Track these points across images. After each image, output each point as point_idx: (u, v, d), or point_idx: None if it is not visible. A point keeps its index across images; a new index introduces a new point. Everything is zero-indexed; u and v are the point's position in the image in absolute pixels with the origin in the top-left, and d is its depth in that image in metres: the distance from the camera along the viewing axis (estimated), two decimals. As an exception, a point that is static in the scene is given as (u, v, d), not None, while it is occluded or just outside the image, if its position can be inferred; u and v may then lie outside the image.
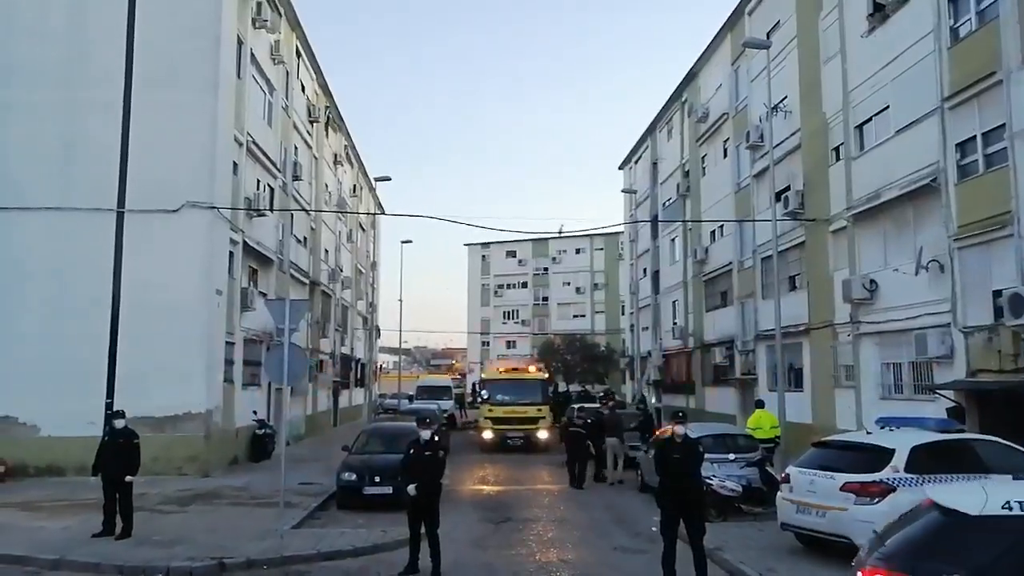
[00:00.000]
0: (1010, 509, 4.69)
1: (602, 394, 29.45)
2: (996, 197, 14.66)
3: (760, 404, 18.94)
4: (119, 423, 11.80)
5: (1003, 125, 14.59)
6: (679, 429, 9.99)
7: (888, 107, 18.45)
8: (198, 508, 13.97)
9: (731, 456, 14.71)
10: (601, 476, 19.12)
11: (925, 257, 16.63)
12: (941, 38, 16.47)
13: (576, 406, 31.30)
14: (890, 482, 9.45)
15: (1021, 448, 11.05)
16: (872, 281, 18.69)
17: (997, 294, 14.53)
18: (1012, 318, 13.54)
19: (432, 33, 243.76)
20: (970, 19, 15.88)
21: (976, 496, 4.93)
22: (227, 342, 20.37)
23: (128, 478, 11.39)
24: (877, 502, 9.34)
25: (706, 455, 14.22)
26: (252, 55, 22.49)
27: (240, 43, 21.44)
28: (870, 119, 19.33)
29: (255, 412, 22.35)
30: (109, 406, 16.69)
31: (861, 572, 4.84)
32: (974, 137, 15.60)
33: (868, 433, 11.40)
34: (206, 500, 14.79)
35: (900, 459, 9.66)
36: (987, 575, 4.44)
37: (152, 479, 15.61)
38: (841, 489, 9.69)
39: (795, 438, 18.12)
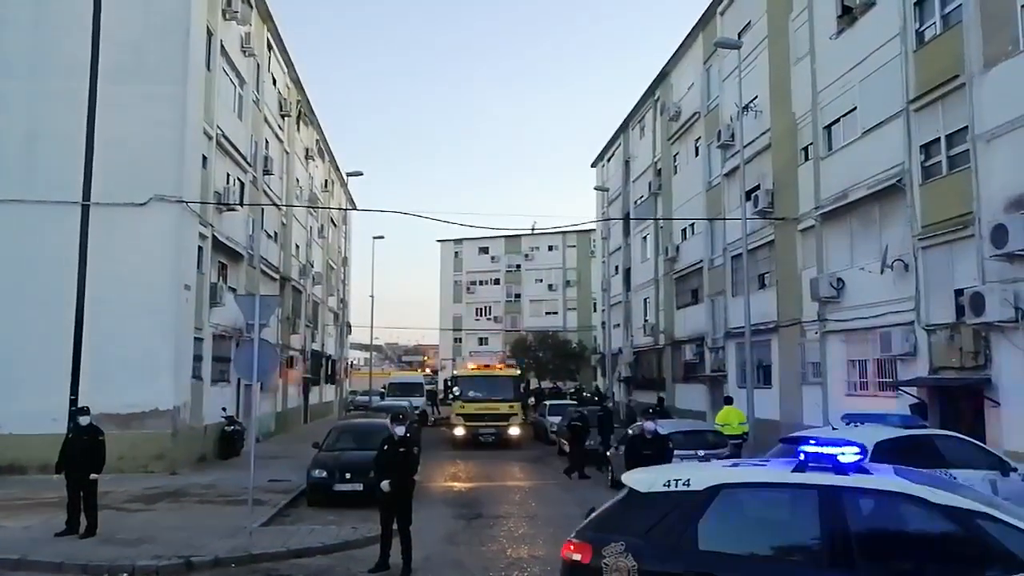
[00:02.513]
0: (668, 486, 5.37)
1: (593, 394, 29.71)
2: (958, 198, 14.99)
3: (729, 400, 19.20)
4: (83, 420, 11.60)
5: (966, 128, 14.92)
6: (649, 425, 10.10)
7: (856, 108, 18.77)
8: (165, 506, 13.79)
9: (700, 452, 14.88)
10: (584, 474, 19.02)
11: (890, 256, 16.96)
12: (907, 41, 16.78)
13: (548, 402, 31.43)
14: (854, 477, 9.60)
15: (978, 443, 11.36)
16: (839, 280, 19.01)
17: (959, 293, 14.87)
18: (973, 317, 13.86)
19: (406, 29, 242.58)
20: (935, 23, 16.20)
21: (650, 476, 5.75)
22: (195, 338, 20.10)
23: (93, 476, 11.21)
24: (842, 497, 9.49)
25: (675, 451, 14.41)
26: (222, 47, 22.19)
27: (210, 34, 21.14)
28: (838, 120, 19.64)
29: (224, 409, 22.11)
30: (73, 403, 16.42)
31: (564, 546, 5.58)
32: (938, 139, 15.93)
33: (834, 429, 11.59)
34: (173, 498, 14.61)
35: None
36: (642, 539, 5.17)
37: (118, 477, 15.37)
38: (807, 484, 9.83)
39: (763, 434, 18.39)
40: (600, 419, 21.50)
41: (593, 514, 5.78)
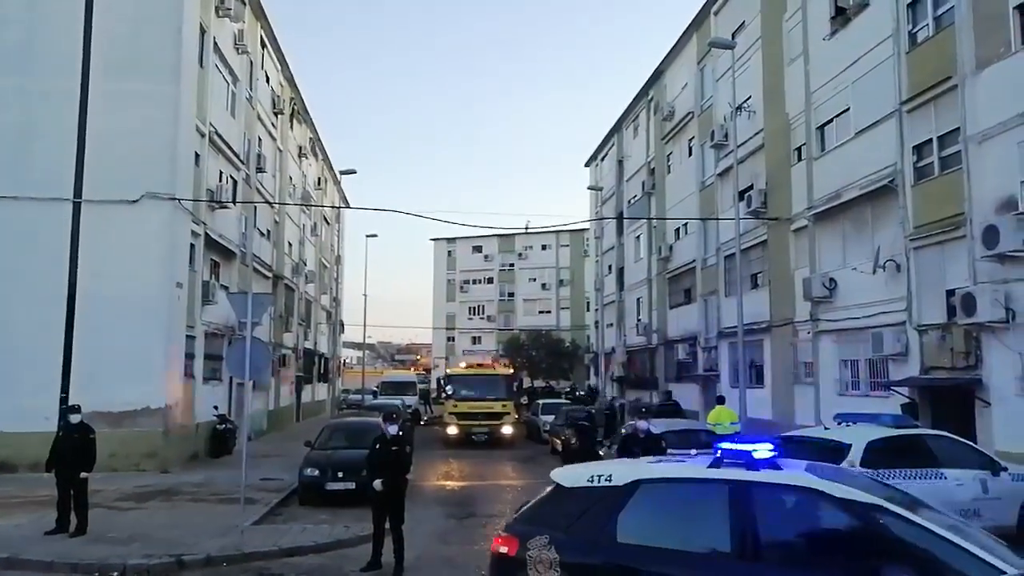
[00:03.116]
0: (591, 482, 5.59)
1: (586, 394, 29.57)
2: (950, 199, 15.06)
3: (721, 400, 19.24)
4: (74, 418, 11.53)
5: (958, 129, 14.99)
6: (641, 424, 10.11)
7: (849, 109, 18.83)
8: (156, 505, 13.73)
9: (692, 451, 14.88)
10: None
11: (882, 257, 17.03)
12: (900, 42, 16.85)
13: (541, 401, 31.46)
14: (846, 476, 9.65)
15: (969, 443, 11.43)
16: (831, 280, 19.08)
17: (950, 294, 14.94)
18: (964, 317, 13.94)
19: (399, 29, 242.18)
20: (927, 24, 16.27)
21: (575, 472, 5.97)
22: (187, 336, 20.03)
23: (83, 474, 11.16)
24: (833, 496, 9.53)
25: (668, 450, 14.42)
26: (215, 44, 22.10)
27: (203, 31, 21.05)
28: (831, 120, 19.71)
29: (216, 407, 22.04)
30: (64, 400, 16.33)
31: (494, 539, 5.78)
32: (930, 140, 16.00)
33: (826, 428, 11.64)
34: (165, 496, 14.55)
35: (856, 454, 9.88)
36: (565, 532, 5.40)
37: (109, 475, 15.31)
38: (799, 483, 9.87)
39: (756, 434, 18.41)
40: (607, 418, 21.57)
41: (523, 508, 6.01)
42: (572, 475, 5.89)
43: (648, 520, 5.37)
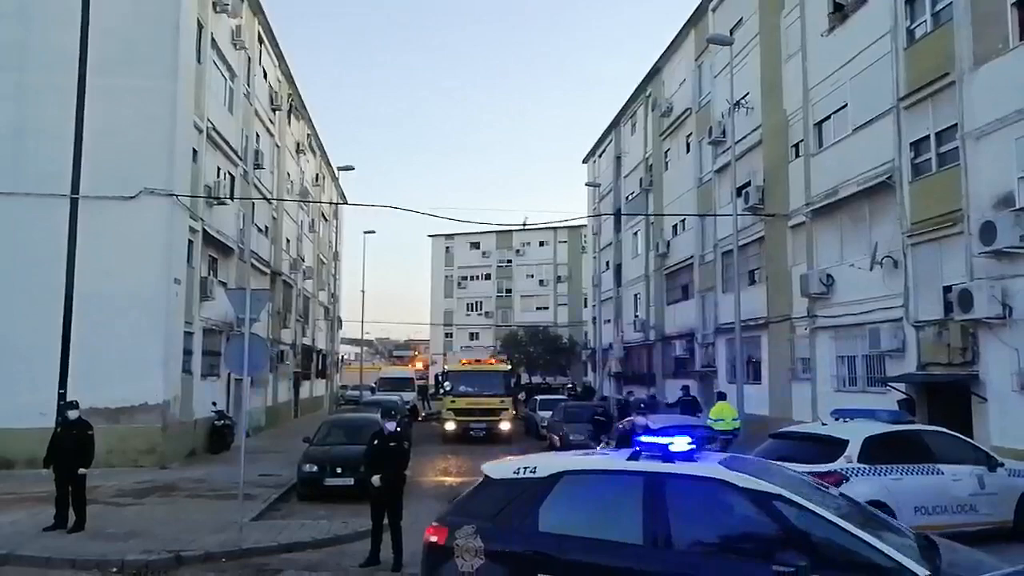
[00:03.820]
0: (517, 473, 5.85)
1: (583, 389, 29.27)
2: (947, 195, 15.08)
3: (722, 396, 19.22)
4: (72, 414, 11.54)
5: (955, 125, 15.01)
6: (640, 420, 10.15)
7: (846, 105, 18.84)
8: (155, 500, 13.74)
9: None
10: None
11: (880, 253, 17.05)
12: (898, 39, 16.85)
13: (539, 397, 31.51)
14: (843, 472, 9.69)
15: (966, 439, 11.46)
16: (829, 276, 19.11)
17: (947, 290, 14.98)
18: (961, 313, 13.97)
19: (397, 24, 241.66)
20: (925, 21, 16.27)
21: (504, 464, 6.23)
22: (186, 332, 20.02)
23: (81, 471, 11.16)
24: (830, 491, 9.57)
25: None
26: (212, 40, 22.04)
27: (200, 27, 21.00)
28: (829, 117, 19.72)
29: (214, 403, 22.04)
30: (62, 397, 16.32)
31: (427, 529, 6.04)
32: (928, 136, 16.02)
33: (823, 425, 11.66)
34: (163, 492, 14.56)
35: (853, 450, 9.91)
36: (491, 521, 5.64)
37: (107, 471, 15.31)
38: (796, 479, 9.90)
39: (753, 430, 18.45)
40: (621, 412, 21.69)
41: (456, 500, 6.26)
42: (500, 467, 6.17)
43: (568, 510, 5.58)
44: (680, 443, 5.63)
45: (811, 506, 5.08)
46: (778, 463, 9.28)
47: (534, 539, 5.49)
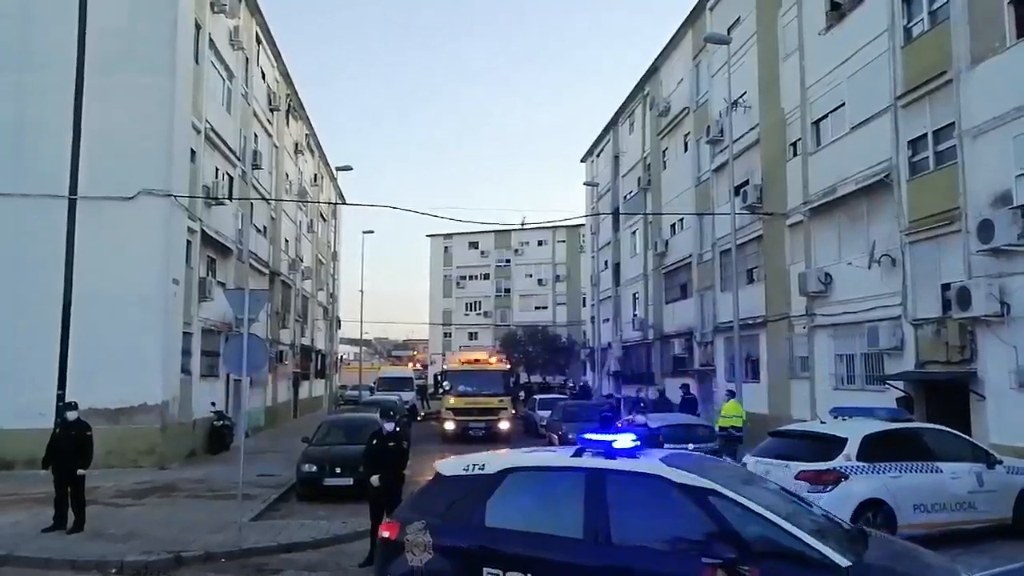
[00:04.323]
0: (467, 470, 6.04)
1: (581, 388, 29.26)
2: (945, 193, 15.10)
3: (732, 394, 19.08)
4: (71, 415, 11.53)
5: (953, 123, 15.03)
6: (638, 419, 10.16)
7: (844, 104, 18.86)
8: (154, 501, 13.73)
9: (689, 446, 14.97)
10: None
11: (877, 251, 17.07)
12: (895, 37, 16.87)
13: (539, 396, 31.53)
14: (842, 470, 9.70)
15: (964, 436, 11.48)
16: (827, 274, 19.13)
17: (945, 288, 15.00)
18: (959, 311, 14.00)
19: (395, 25, 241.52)
20: (922, 19, 16.30)
21: (454, 462, 6.40)
22: (184, 332, 20.01)
23: (80, 471, 11.14)
24: (830, 490, 9.58)
25: (665, 445, 14.47)
26: (211, 40, 22.03)
27: (198, 27, 20.99)
28: (826, 115, 19.74)
29: (213, 403, 22.03)
30: (61, 397, 16.27)
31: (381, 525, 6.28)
32: (925, 135, 16.04)
33: (822, 423, 11.67)
34: (163, 493, 14.55)
35: (852, 448, 9.91)
36: (440, 517, 5.83)
37: (106, 472, 15.30)
38: (796, 478, 9.89)
39: (752, 428, 18.49)
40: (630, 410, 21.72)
41: (411, 496, 6.51)
42: (451, 465, 6.34)
43: (514, 505, 5.74)
44: (623, 440, 5.79)
45: (743, 500, 5.22)
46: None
47: (481, 534, 5.63)
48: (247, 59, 26.51)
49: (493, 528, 5.64)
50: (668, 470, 5.49)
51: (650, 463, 5.67)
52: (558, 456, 6.20)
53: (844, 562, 4.86)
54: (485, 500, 5.76)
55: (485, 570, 5.47)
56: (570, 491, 5.62)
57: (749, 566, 4.88)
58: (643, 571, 5.21)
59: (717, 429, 17.75)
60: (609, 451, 5.75)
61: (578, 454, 5.88)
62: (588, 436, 5.98)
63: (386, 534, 6.02)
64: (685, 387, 24.52)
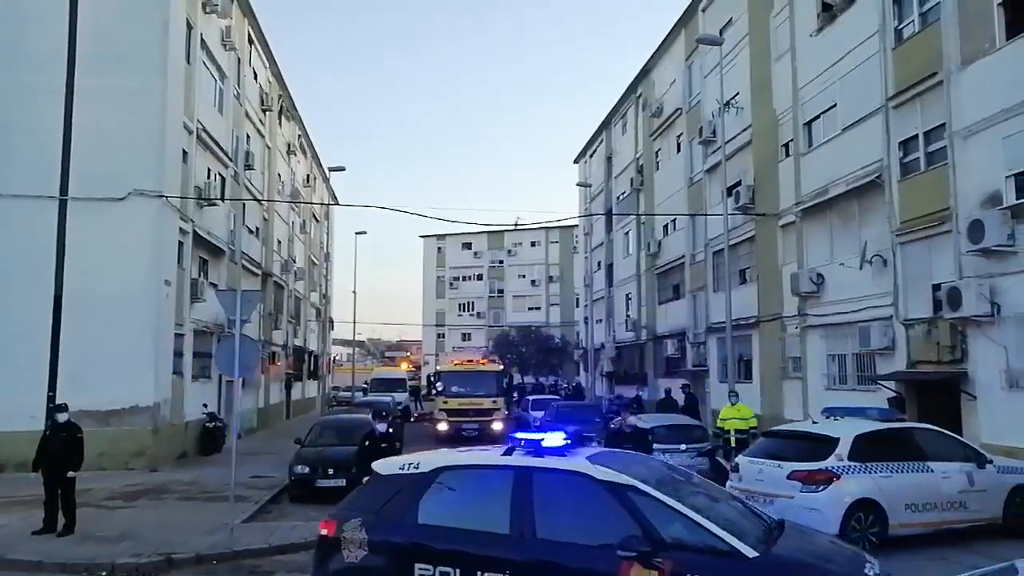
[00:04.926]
0: (403, 469, 6.24)
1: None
2: (936, 194, 15.17)
3: (735, 395, 18.76)
4: (62, 417, 11.46)
5: (944, 124, 15.10)
6: (629, 419, 10.17)
7: (836, 105, 18.92)
8: (146, 503, 13.67)
9: (682, 446, 14.98)
10: None
11: (869, 252, 17.14)
12: (886, 39, 16.94)
13: (532, 397, 31.49)
14: (834, 470, 9.74)
15: (955, 436, 11.53)
16: (819, 275, 19.18)
17: (936, 288, 15.06)
18: (950, 311, 14.06)
19: (389, 24, 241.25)
20: (913, 21, 16.37)
21: (391, 461, 6.62)
22: (176, 334, 19.94)
23: (71, 473, 11.09)
24: (822, 489, 9.63)
25: (659, 445, 14.48)
26: (202, 40, 21.97)
27: (190, 28, 20.92)
28: (818, 116, 19.80)
29: (205, 405, 21.96)
30: (51, 399, 16.22)
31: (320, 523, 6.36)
32: (916, 136, 16.11)
33: (814, 423, 11.71)
34: (154, 495, 14.48)
35: (844, 447, 9.95)
36: (376, 515, 5.98)
37: (97, 474, 15.24)
38: (788, 477, 9.95)
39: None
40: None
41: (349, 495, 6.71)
42: (388, 464, 6.54)
43: (446, 503, 5.94)
44: (553, 439, 5.97)
45: (660, 496, 5.47)
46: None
47: (413, 530, 5.82)
48: (239, 59, 26.45)
49: (426, 525, 5.83)
50: (591, 467, 5.71)
51: (575, 461, 5.87)
52: (489, 455, 6.38)
53: (752, 553, 5.13)
54: (419, 498, 5.93)
55: (417, 566, 5.63)
56: (499, 488, 5.81)
57: (663, 558, 5.12)
58: (564, 564, 5.41)
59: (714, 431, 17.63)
60: (538, 449, 5.94)
61: (508, 452, 6.07)
62: (518, 435, 6.17)
63: (324, 532, 6.16)
64: (686, 387, 24.60)
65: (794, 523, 6.50)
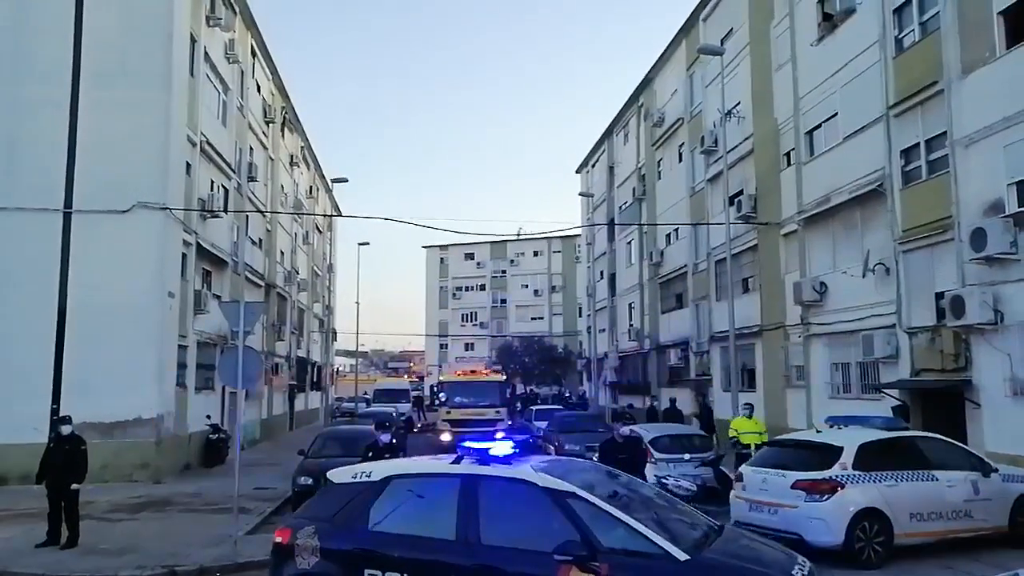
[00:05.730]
0: (355, 478, 6.42)
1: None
2: (938, 202, 15.17)
3: (750, 409, 18.24)
4: (65, 429, 11.47)
5: (945, 133, 15.12)
6: (623, 429, 10.16)
7: (837, 114, 18.96)
8: (149, 515, 13.66)
9: (686, 456, 14.92)
10: None
11: (872, 260, 17.13)
12: (886, 48, 16.99)
13: (535, 407, 31.45)
14: (838, 479, 9.70)
15: (960, 444, 11.49)
16: (822, 283, 19.17)
17: (939, 296, 15.04)
18: (953, 319, 14.03)
19: (391, 36, 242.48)
20: (913, 30, 16.42)
21: (345, 470, 6.73)
22: (180, 345, 19.96)
23: (74, 486, 11.08)
24: (826, 499, 9.59)
25: (662, 455, 14.43)
26: (206, 53, 22.09)
27: (193, 40, 21.05)
28: (820, 125, 19.83)
29: (208, 416, 21.94)
30: (55, 411, 16.26)
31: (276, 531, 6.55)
32: (918, 144, 16.13)
33: (818, 432, 11.67)
34: (157, 507, 14.47)
35: (848, 457, 9.92)
36: (329, 522, 6.16)
37: (101, 487, 15.23)
38: (792, 487, 9.92)
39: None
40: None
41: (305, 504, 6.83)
42: (341, 473, 6.68)
43: (396, 510, 6.10)
44: (501, 448, 6.14)
45: (598, 502, 5.66)
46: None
47: (364, 537, 5.99)
48: (242, 72, 26.58)
49: (376, 532, 6.01)
50: (534, 475, 5.89)
51: (519, 469, 6.04)
52: (438, 463, 6.58)
53: (683, 556, 5.33)
54: (370, 505, 6.12)
55: (366, 571, 5.82)
56: (446, 496, 5.99)
57: (599, 562, 5.29)
58: (507, 570, 5.59)
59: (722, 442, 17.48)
60: (484, 458, 6.11)
61: (457, 461, 6.25)
62: (467, 444, 6.30)
63: (279, 539, 6.31)
64: (702, 397, 24.58)
65: (736, 528, 6.74)
